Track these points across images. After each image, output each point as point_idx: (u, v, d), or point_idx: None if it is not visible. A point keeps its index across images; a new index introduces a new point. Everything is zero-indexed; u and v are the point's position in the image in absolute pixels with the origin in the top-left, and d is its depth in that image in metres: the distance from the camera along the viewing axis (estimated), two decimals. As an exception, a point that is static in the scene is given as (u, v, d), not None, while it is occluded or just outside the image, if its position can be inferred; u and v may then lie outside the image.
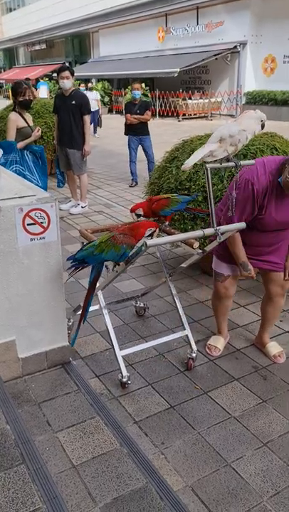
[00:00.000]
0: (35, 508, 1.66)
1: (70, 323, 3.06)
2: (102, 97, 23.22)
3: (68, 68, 5.94)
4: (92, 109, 11.73)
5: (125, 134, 7.78)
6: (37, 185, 4.62)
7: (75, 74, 6.39)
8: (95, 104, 13.76)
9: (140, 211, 2.73)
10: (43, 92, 18.05)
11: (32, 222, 2.37)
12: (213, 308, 2.99)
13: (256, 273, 2.70)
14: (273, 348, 2.89)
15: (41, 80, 19.96)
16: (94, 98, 13.98)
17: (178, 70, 18.75)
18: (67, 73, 5.72)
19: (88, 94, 12.80)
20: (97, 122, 14.36)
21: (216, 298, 2.90)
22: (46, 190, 4.90)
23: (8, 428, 2.05)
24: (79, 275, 4.07)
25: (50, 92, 20.59)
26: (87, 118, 5.86)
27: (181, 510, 1.78)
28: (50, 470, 1.90)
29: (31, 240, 2.40)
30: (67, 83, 5.74)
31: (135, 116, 7.47)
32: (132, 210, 2.76)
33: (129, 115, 7.51)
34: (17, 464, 1.85)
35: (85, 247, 2.34)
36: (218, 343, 2.94)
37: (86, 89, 14.33)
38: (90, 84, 15.68)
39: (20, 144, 4.70)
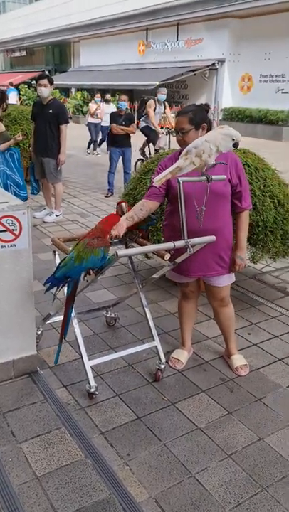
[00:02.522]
0: (-6, 520, 1.63)
1: (40, 332, 3.03)
2: (81, 106, 23.26)
3: (47, 76, 5.96)
4: (107, 124, 10.54)
5: (107, 144, 7.91)
6: (19, 183, 4.78)
7: (55, 82, 6.40)
8: (108, 118, 12.69)
9: (126, 207, 2.73)
10: (12, 98, 17.85)
11: (3, 229, 2.36)
12: (179, 313, 3.02)
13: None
14: (237, 360, 2.93)
15: (11, 87, 19.74)
16: (110, 112, 12.61)
17: (157, 83, 18.98)
18: (45, 81, 5.73)
19: (104, 106, 12.31)
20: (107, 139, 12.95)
21: (182, 299, 2.95)
22: (26, 189, 5.09)
23: None
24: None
25: (20, 98, 20.47)
26: (63, 127, 5.86)
27: (143, 521, 1.78)
28: (12, 481, 1.87)
29: (1, 247, 2.39)
30: (45, 91, 5.75)
31: (121, 127, 7.54)
32: (119, 203, 2.75)
33: (114, 125, 7.57)
34: (-22, 475, 1.81)
35: (62, 263, 2.32)
36: (182, 356, 2.96)
37: (102, 100, 12.88)
38: (107, 96, 13.07)
39: (4, 146, 4.90)
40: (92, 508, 1.76)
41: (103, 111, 12.20)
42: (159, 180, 2.43)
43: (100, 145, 12.97)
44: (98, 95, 12.99)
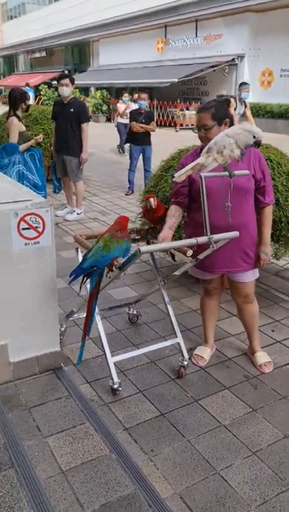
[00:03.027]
0: (22, 512, 1.66)
1: (63, 329, 3.06)
2: (101, 105, 23.36)
3: (68, 76, 6.02)
4: None
5: (128, 142, 7.88)
6: (37, 184, 4.82)
7: (75, 82, 6.45)
8: None
9: (155, 202, 2.75)
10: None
11: (27, 226, 2.39)
12: (201, 310, 3.01)
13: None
14: (261, 357, 2.91)
15: (27, 88, 19.94)
16: (130, 110, 12.49)
17: (176, 80, 18.95)
18: (66, 81, 5.78)
19: (133, 105, 11.36)
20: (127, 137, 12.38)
21: (205, 296, 2.94)
22: (46, 190, 5.14)
23: (-3, 432, 2.05)
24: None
25: (39, 98, 20.51)
26: (85, 126, 5.90)
27: (168, 517, 1.78)
28: (39, 475, 1.89)
29: (26, 244, 2.42)
30: (66, 90, 5.80)
31: (141, 125, 7.56)
32: (148, 198, 2.78)
33: (134, 123, 7.59)
34: (5, 468, 1.84)
35: (89, 254, 2.34)
36: (205, 353, 2.95)
37: (132, 100, 12.31)
38: (136, 96, 11.95)
39: (22, 147, 4.96)
40: (118, 503, 1.77)
41: None
42: (179, 176, 2.42)
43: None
44: (126, 95, 12.52)
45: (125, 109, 11.81)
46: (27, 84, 20.39)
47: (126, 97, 12.35)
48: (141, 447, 2.23)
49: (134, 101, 12.00)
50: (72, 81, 5.86)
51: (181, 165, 2.62)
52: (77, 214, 6.26)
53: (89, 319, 2.48)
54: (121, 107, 12.19)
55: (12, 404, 2.39)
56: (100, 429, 2.22)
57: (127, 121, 11.64)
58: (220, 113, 2.50)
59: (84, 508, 1.76)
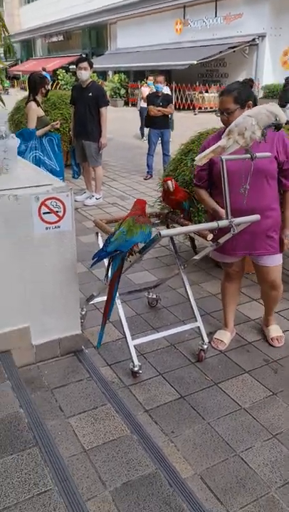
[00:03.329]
0: (46, 489, 1.71)
1: (83, 313, 3.10)
2: (118, 89, 23.13)
3: (87, 59, 5.96)
4: None
5: (146, 126, 7.79)
6: (55, 169, 4.81)
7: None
8: None
9: (173, 184, 2.75)
10: None
11: (48, 210, 2.40)
12: (222, 294, 3.01)
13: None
14: (274, 331, 2.97)
15: (44, 72, 19.87)
16: (147, 94, 11.53)
17: (195, 62, 18.61)
18: (85, 64, 5.73)
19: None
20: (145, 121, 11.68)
21: (226, 280, 2.94)
22: (63, 175, 5.11)
23: (21, 412, 2.10)
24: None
25: (56, 83, 20.24)
26: (103, 110, 5.86)
27: (189, 496, 1.81)
28: (62, 453, 1.94)
29: (47, 228, 2.44)
30: (85, 74, 5.75)
31: (159, 108, 7.47)
32: (166, 180, 2.79)
33: (152, 107, 7.51)
34: (30, 446, 1.89)
35: (112, 238, 2.33)
36: (224, 337, 2.95)
37: (154, 82, 11.86)
38: (159, 78, 12.03)
39: (40, 132, 4.92)
40: (139, 482, 1.81)
41: None
42: (200, 159, 2.40)
43: None
44: (151, 78, 11.48)
45: (149, 92, 11.28)
46: (44, 69, 20.29)
47: (150, 80, 11.49)
48: (161, 429, 2.26)
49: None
50: (90, 64, 5.81)
51: (203, 148, 2.60)
52: (96, 199, 6.27)
53: (110, 303, 2.49)
54: (145, 90, 11.56)
55: (35, 386, 2.44)
56: (120, 411, 2.26)
57: None
58: (243, 96, 2.45)
59: (106, 486, 1.80)
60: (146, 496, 1.74)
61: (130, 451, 1.97)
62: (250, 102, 2.48)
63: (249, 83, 2.60)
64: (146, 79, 11.62)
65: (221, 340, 2.93)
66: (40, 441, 1.94)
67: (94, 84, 5.98)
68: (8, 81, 30.81)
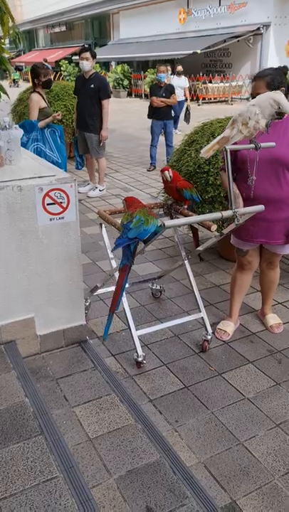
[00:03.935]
0: (52, 476, 1.73)
1: (88, 304, 3.11)
2: (122, 80, 22.97)
3: (89, 50, 5.91)
4: (178, 99, 9.77)
5: (148, 117, 7.71)
6: (57, 162, 4.76)
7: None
8: (181, 93, 10.62)
9: (170, 174, 2.76)
10: None
11: (51, 201, 2.40)
12: (231, 284, 3.01)
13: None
14: (272, 319, 3.02)
15: (45, 64, 19.71)
16: (182, 86, 10.74)
17: (198, 50, 18.43)
18: (87, 54, 5.68)
19: (175, 79, 10.46)
20: (184, 115, 10.94)
21: (238, 270, 2.94)
22: (66, 168, 5.06)
23: (27, 401, 2.12)
24: (95, 257, 4.12)
25: (56, 74, 20.03)
26: (105, 102, 5.80)
27: (193, 484, 1.83)
28: (67, 442, 1.96)
29: (51, 219, 2.44)
30: (87, 65, 5.71)
31: (161, 99, 7.41)
32: (163, 171, 2.80)
33: (155, 98, 7.44)
34: (35, 434, 1.91)
35: (131, 225, 2.28)
36: (228, 327, 2.96)
37: (173, 73, 10.96)
38: (178, 68, 11.05)
39: (42, 123, 4.86)
40: (144, 470, 1.82)
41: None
42: (205, 151, 2.38)
43: (175, 122, 10.31)
44: (180, 68, 11.02)
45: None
46: (45, 61, 20.15)
47: (180, 69, 11.07)
48: (165, 418, 2.28)
49: (178, 74, 10.93)
50: (93, 55, 5.76)
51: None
52: (100, 190, 6.26)
53: (119, 292, 2.43)
54: (176, 81, 10.56)
55: (40, 375, 2.46)
56: (125, 400, 2.27)
57: None
58: (276, 82, 2.42)
59: (111, 474, 1.82)
60: (151, 483, 1.76)
61: (135, 440, 1.99)
62: (283, 88, 2.44)
63: (283, 70, 2.55)
64: (178, 66, 10.86)
65: (225, 331, 2.94)
66: (46, 429, 1.96)
67: (96, 75, 5.93)
68: (17, 72, 30.51)
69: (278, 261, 2.88)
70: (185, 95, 11.14)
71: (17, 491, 1.67)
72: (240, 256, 2.86)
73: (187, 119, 10.73)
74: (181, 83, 10.71)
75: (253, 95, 2.48)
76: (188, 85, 11.44)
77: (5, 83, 26.88)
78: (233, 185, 2.54)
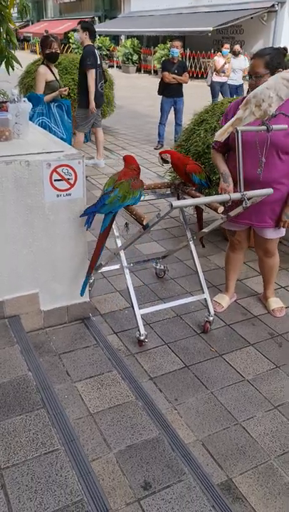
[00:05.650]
0: (54, 448, 1.77)
1: (92, 281, 3.12)
2: (131, 55, 22.50)
3: (82, 22, 5.80)
4: (236, 83, 9.32)
5: (159, 93, 7.55)
6: (62, 137, 4.69)
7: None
8: (239, 76, 9.50)
9: (168, 157, 2.76)
10: None
11: (59, 178, 2.39)
12: (225, 263, 3.09)
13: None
14: (274, 303, 3.05)
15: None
16: (239, 67, 9.46)
17: (211, 29, 17.98)
18: (78, 26, 5.69)
19: (233, 61, 9.34)
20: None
21: (230, 249, 3.02)
22: (71, 143, 4.97)
23: (30, 375, 2.15)
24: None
25: (65, 46, 19.66)
26: (88, 73, 5.57)
27: (191, 461, 1.87)
28: (69, 416, 2.00)
29: (58, 196, 2.43)
30: (76, 36, 5.74)
31: (174, 76, 7.24)
32: (160, 153, 2.82)
33: (167, 73, 7.25)
34: (38, 408, 1.95)
35: (106, 200, 2.37)
36: (223, 300, 3.04)
37: (230, 52, 9.37)
38: (236, 47, 9.61)
39: (48, 97, 4.76)
40: (143, 445, 1.86)
41: (230, 66, 9.29)
42: (220, 134, 2.35)
43: None
44: (227, 46, 9.35)
45: (224, 63, 9.21)
46: (46, 32, 19.72)
47: (226, 48, 9.29)
48: (165, 396, 2.31)
49: (235, 54, 9.52)
50: (83, 28, 5.62)
51: (225, 114, 2.62)
52: (94, 164, 6.25)
53: (97, 256, 2.56)
54: (219, 61, 9.28)
55: (43, 350, 2.49)
56: (126, 377, 2.30)
57: (224, 79, 9.27)
58: (274, 62, 2.38)
59: (111, 448, 1.86)
60: (150, 459, 1.80)
61: (135, 417, 2.02)
62: (281, 69, 2.39)
63: (283, 51, 2.50)
64: (222, 47, 9.35)
65: (219, 303, 3.02)
66: (48, 403, 1.99)
67: (86, 47, 5.69)
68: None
69: (274, 249, 2.87)
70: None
71: (19, 462, 1.71)
72: (230, 235, 2.93)
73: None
74: (238, 64, 9.44)
75: (250, 73, 2.44)
76: (248, 65, 9.05)
77: (20, 54, 26.48)
78: (224, 165, 2.61)
